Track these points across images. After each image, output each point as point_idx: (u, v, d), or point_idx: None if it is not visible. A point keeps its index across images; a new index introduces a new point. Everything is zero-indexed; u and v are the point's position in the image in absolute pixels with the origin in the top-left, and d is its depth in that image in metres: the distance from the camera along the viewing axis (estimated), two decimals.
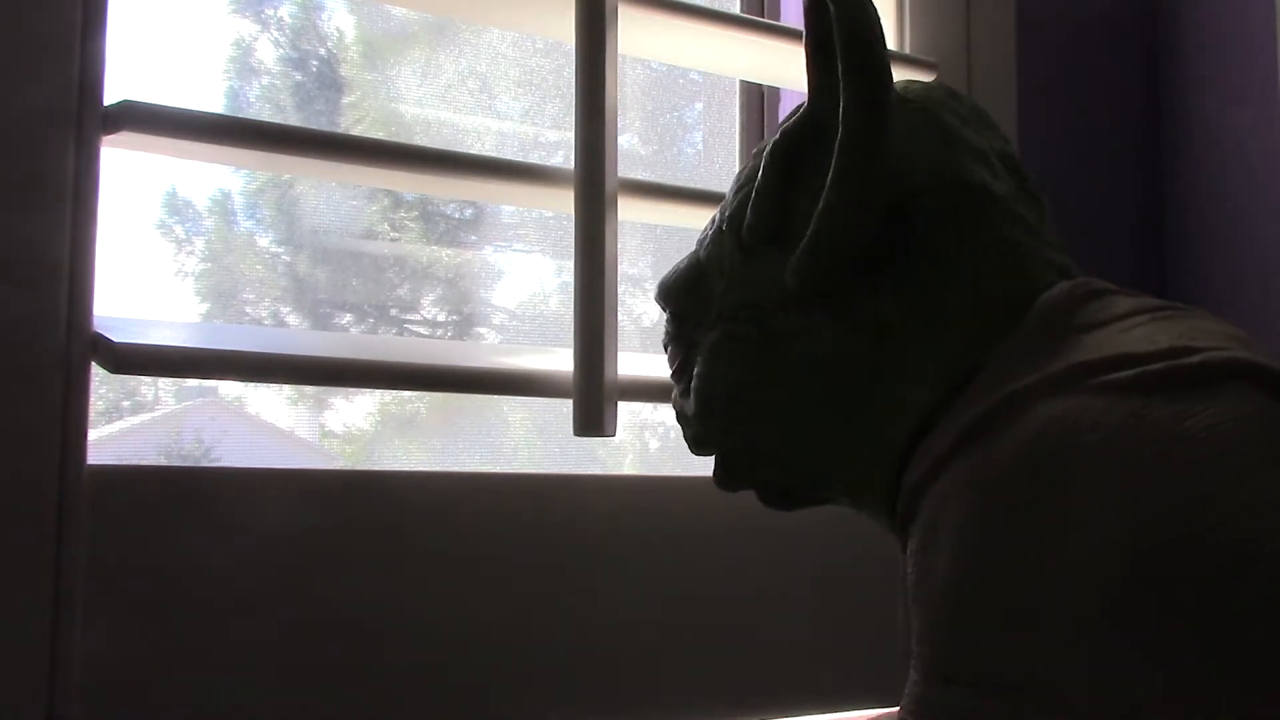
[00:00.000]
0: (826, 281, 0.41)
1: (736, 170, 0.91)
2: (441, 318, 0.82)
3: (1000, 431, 0.35)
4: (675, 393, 0.48)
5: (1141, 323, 0.37)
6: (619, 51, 0.64)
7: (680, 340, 0.47)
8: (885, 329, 0.41)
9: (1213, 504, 0.30)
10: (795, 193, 0.43)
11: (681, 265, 0.47)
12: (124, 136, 0.53)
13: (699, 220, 0.76)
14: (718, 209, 0.47)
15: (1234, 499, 0.30)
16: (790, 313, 0.42)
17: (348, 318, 0.79)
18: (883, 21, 0.42)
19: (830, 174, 0.40)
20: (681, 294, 0.47)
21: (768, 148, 0.44)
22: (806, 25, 0.42)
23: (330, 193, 0.78)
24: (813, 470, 0.44)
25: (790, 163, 0.43)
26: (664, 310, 0.48)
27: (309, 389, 0.77)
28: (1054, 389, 0.35)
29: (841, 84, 0.40)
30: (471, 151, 0.70)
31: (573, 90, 0.63)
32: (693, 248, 0.48)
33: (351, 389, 0.77)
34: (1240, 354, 0.33)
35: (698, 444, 0.47)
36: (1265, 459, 0.31)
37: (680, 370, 0.47)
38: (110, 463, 0.52)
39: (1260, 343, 0.37)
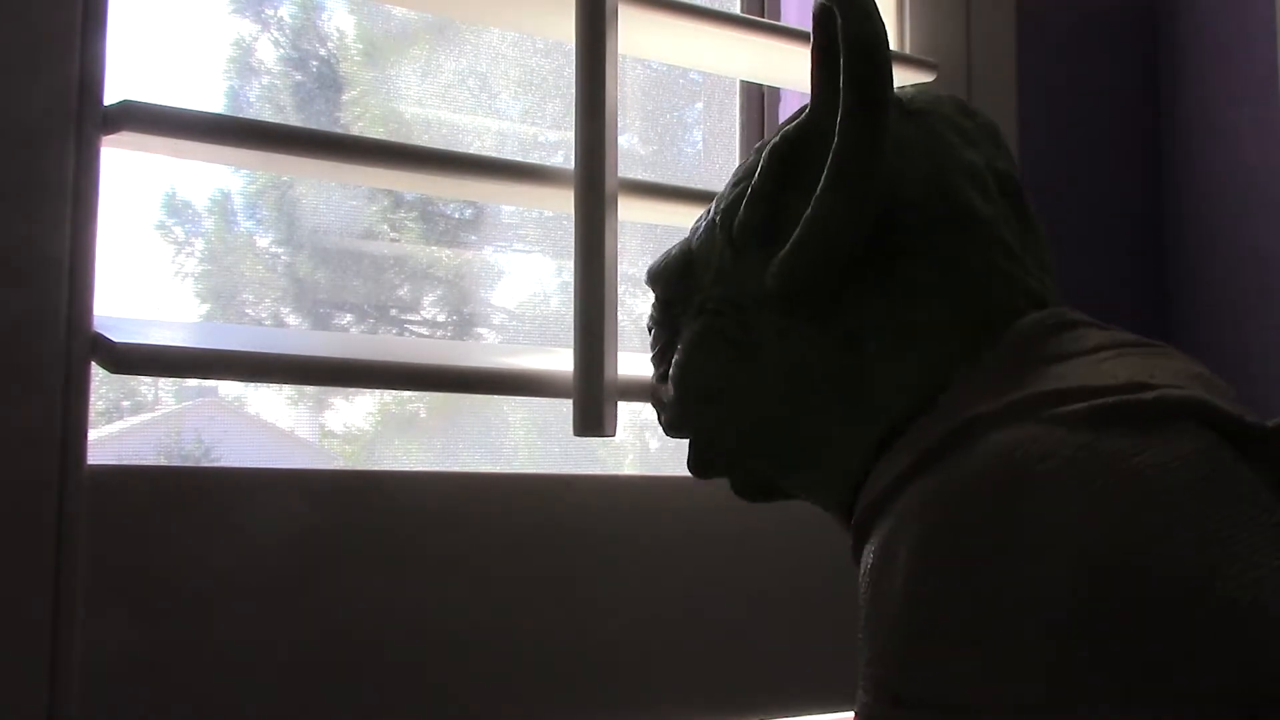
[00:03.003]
0: (806, 287, 0.41)
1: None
2: (441, 318, 0.82)
3: (958, 456, 0.36)
4: (654, 376, 0.49)
5: (1107, 358, 0.37)
6: (619, 51, 0.64)
7: (665, 326, 0.48)
8: (857, 340, 0.41)
9: (1158, 540, 0.31)
10: (789, 196, 0.43)
11: (674, 252, 0.48)
12: (124, 136, 0.53)
13: None
14: (714, 200, 0.47)
15: (1178, 536, 0.31)
16: (768, 314, 0.43)
17: (348, 318, 0.79)
18: (884, 22, 0.42)
19: (823, 180, 0.40)
20: (672, 281, 0.47)
21: (767, 147, 0.44)
22: (814, 31, 0.42)
23: (330, 193, 0.78)
24: (780, 467, 0.45)
25: (788, 166, 0.43)
26: (654, 293, 0.49)
27: (309, 389, 0.77)
28: (1011, 417, 0.35)
29: (843, 93, 0.40)
30: (471, 151, 0.70)
31: (573, 90, 0.63)
32: (686, 235, 0.48)
33: (351, 389, 0.77)
34: (1194, 393, 0.34)
35: (672, 428, 0.48)
36: (1207, 497, 0.32)
37: (661, 355, 0.48)
38: (110, 463, 0.52)
39: (1224, 383, 0.37)
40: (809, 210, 0.41)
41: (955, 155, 0.43)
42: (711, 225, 0.46)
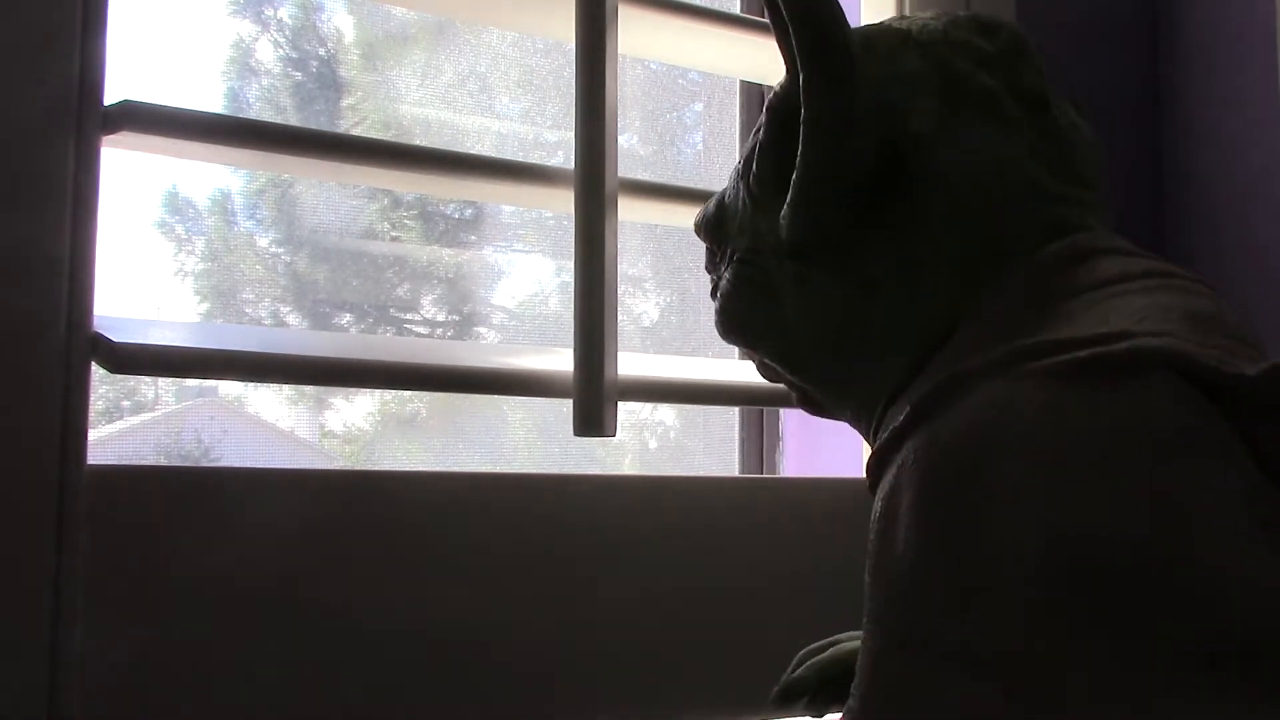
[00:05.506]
0: (817, 237, 0.43)
1: None
2: (441, 318, 0.82)
3: (945, 412, 0.37)
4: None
5: (1112, 294, 0.38)
6: (619, 51, 0.64)
7: (713, 268, 0.51)
8: (873, 283, 0.42)
9: (1111, 506, 0.32)
10: (792, 147, 0.44)
11: (712, 203, 0.50)
12: (124, 136, 0.53)
13: None
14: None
15: (1131, 500, 0.32)
16: (787, 263, 0.44)
17: (348, 318, 0.79)
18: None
19: (799, 148, 0.42)
20: (710, 230, 0.50)
21: (766, 104, 0.45)
22: (767, 6, 0.44)
23: (330, 193, 0.78)
24: (818, 393, 0.47)
25: (785, 120, 0.44)
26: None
27: (309, 389, 0.77)
28: (991, 373, 0.36)
29: (797, 62, 0.41)
30: (471, 151, 0.70)
31: (573, 90, 0.63)
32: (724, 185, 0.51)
33: (351, 389, 0.77)
34: (1170, 344, 0.34)
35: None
36: (1166, 458, 0.32)
37: (713, 295, 0.51)
38: (110, 463, 0.52)
39: (1231, 319, 0.37)
40: (794, 174, 0.42)
41: (964, 87, 0.43)
42: (736, 175, 0.48)
